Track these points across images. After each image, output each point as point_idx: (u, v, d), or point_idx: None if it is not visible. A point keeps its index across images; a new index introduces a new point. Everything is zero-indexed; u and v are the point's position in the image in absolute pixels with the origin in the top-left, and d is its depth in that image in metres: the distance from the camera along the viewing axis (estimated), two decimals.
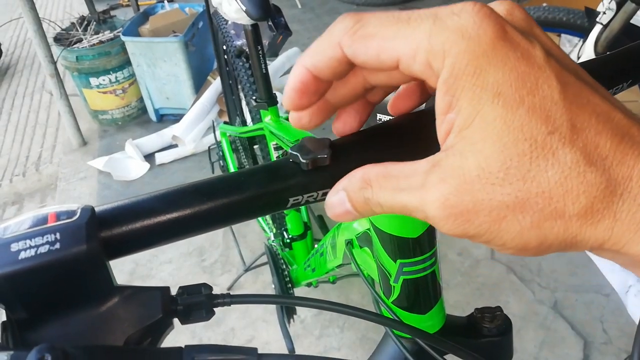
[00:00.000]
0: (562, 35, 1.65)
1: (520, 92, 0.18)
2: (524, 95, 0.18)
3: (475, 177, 0.19)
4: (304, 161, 0.24)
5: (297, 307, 1.28)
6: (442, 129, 0.21)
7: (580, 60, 1.46)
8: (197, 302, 0.25)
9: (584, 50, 1.42)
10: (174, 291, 0.26)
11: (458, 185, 0.19)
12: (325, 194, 0.26)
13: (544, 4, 1.62)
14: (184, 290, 0.26)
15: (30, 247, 0.20)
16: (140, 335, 0.23)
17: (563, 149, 0.18)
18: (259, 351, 0.24)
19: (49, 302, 0.21)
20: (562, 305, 1.56)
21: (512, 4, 0.22)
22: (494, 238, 0.20)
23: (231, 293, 0.26)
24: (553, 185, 0.18)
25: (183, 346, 0.23)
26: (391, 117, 0.31)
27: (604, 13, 1.34)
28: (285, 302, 0.30)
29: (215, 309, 0.26)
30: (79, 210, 0.22)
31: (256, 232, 1.82)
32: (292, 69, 0.24)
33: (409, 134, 0.27)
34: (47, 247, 0.20)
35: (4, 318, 0.22)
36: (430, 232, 0.42)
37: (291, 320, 1.24)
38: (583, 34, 1.42)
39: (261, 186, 0.25)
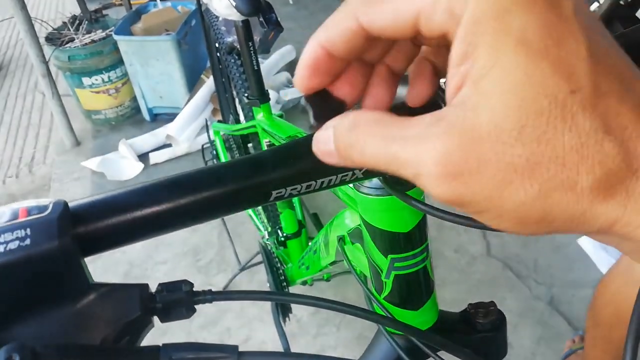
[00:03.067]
0: None
1: (546, 42, 0.17)
2: (550, 46, 0.16)
3: (485, 133, 0.17)
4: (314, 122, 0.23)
5: (292, 306, 1.28)
6: (453, 83, 0.18)
7: None
8: (177, 299, 0.25)
9: None
10: (153, 289, 0.25)
11: (464, 140, 0.17)
12: (308, 187, 0.25)
13: None
14: (163, 287, 0.25)
15: (1, 242, 0.19)
16: (117, 334, 0.22)
17: (583, 112, 0.16)
18: (240, 349, 0.23)
19: (20, 300, 0.20)
20: (558, 300, 1.55)
21: None
22: (492, 208, 0.17)
23: (213, 289, 0.26)
24: (568, 151, 0.16)
25: (160, 344, 0.22)
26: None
27: None
28: (270, 299, 0.29)
29: (198, 306, 0.25)
30: (51, 205, 0.21)
31: (251, 231, 1.81)
32: (305, 47, 0.23)
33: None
34: (16, 242, 0.19)
35: None
36: (421, 226, 0.41)
37: (287, 319, 1.24)
38: None
39: (243, 179, 0.24)
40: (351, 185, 0.41)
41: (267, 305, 1.45)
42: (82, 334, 0.21)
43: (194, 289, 0.25)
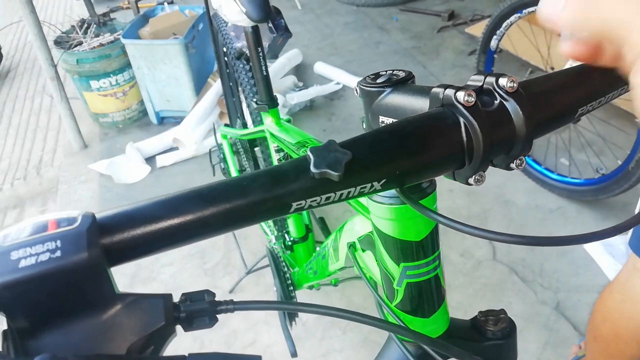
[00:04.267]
0: None
1: None
2: None
3: None
4: (315, 170, 0.24)
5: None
6: None
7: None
8: (200, 309, 0.25)
9: None
10: (176, 298, 0.25)
11: None
12: (327, 199, 0.25)
13: None
14: (186, 297, 0.25)
15: (31, 255, 0.20)
16: (142, 343, 0.22)
17: None
18: (263, 358, 0.23)
19: (50, 310, 0.21)
20: (564, 305, 1.55)
21: None
22: None
23: (234, 299, 0.26)
24: None
25: (187, 354, 0.22)
26: (395, 120, 0.31)
27: None
28: (289, 309, 0.30)
29: (218, 315, 0.26)
30: (80, 217, 0.21)
31: (257, 235, 1.82)
32: None
33: (427, 137, 0.27)
34: (47, 255, 0.20)
35: (5, 326, 0.22)
36: (433, 235, 0.41)
37: (293, 322, 1.24)
38: None
39: (264, 191, 0.24)
40: None
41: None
42: (109, 343, 0.22)
43: (216, 299, 0.26)
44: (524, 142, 0.28)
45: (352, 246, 0.57)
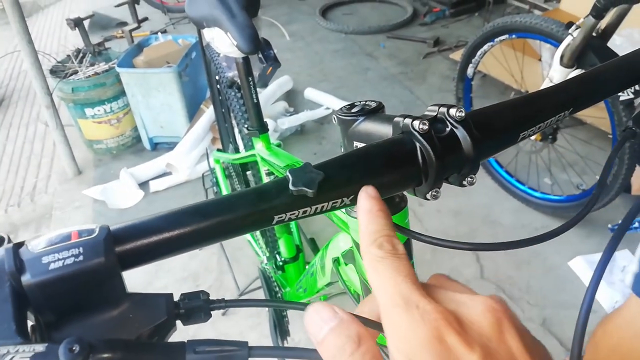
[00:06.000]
0: (543, 42, 1.73)
1: None
2: None
3: None
4: (293, 188, 0.29)
5: (290, 329, 1.31)
6: None
7: (548, 74, 1.52)
8: (197, 306, 0.29)
9: (554, 60, 1.48)
10: (176, 298, 0.30)
11: None
12: (305, 212, 0.30)
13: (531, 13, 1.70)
14: (185, 296, 0.30)
15: (58, 259, 0.24)
16: (148, 334, 0.27)
17: None
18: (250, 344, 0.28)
19: (72, 305, 0.25)
20: (551, 322, 1.59)
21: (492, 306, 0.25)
22: None
23: (225, 298, 0.30)
24: None
25: (186, 341, 0.26)
26: (365, 145, 0.36)
27: (578, 27, 1.41)
28: (276, 306, 0.34)
29: (212, 312, 0.30)
30: (98, 229, 0.26)
31: (249, 257, 1.85)
32: None
33: (389, 159, 0.32)
34: (72, 259, 0.24)
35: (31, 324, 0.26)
36: (406, 247, 0.46)
37: (285, 341, 1.27)
38: (559, 43, 1.49)
39: (250, 206, 0.29)
40: (344, 210, 0.46)
41: (266, 330, 1.48)
42: (121, 334, 0.26)
43: (210, 298, 0.30)
44: (472, 163, 0.33)
45: (336, 261, 0.61)
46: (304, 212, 0.30)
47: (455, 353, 0.22)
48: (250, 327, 1.64)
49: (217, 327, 1.63)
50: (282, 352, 0.32)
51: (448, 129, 0.33)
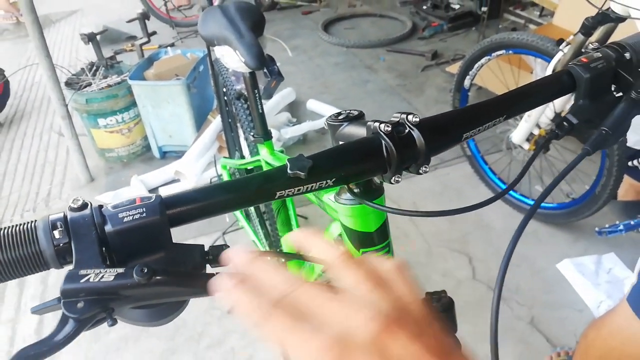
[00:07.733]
0: (537, 58, 1.84)
1: None
2: None
3: None
4: (290, 172, 0.40)
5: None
6: None
7: None
8: (220, 253, 0.40)
9: (546, 74, 1.58)
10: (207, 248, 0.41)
11: None
12: (299, 190, 0.41)
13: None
14: (211, 247, 0.40)
15: (129, 215, 0.35)
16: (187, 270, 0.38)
17: None
18: None
19: (137, 248, 0.36)
20: (538, 320, 1.68)
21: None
22: None
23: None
24: None
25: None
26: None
27: (568, 44, 1.52)
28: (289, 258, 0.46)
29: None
30: (154, 197, 0.37)
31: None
32: None
33: (361, 152, 0.43)
34: (138, 215, 0.35)
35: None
36: (384, 227, 0.56)
37: None
38: (551, 59, 1.60)
39: (259, 184, 0.40)
40: (332, 199, 0.57)
41: None
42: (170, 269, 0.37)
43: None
44: (425, 156, 0.44)
45: None
46: (298, 189, 0.41)
47: None
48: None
49: (223, 325, 1.72)
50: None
51: (406, 131, 0.44)
